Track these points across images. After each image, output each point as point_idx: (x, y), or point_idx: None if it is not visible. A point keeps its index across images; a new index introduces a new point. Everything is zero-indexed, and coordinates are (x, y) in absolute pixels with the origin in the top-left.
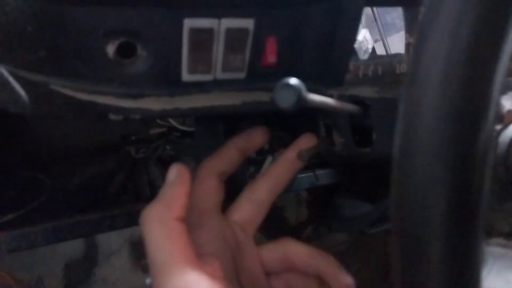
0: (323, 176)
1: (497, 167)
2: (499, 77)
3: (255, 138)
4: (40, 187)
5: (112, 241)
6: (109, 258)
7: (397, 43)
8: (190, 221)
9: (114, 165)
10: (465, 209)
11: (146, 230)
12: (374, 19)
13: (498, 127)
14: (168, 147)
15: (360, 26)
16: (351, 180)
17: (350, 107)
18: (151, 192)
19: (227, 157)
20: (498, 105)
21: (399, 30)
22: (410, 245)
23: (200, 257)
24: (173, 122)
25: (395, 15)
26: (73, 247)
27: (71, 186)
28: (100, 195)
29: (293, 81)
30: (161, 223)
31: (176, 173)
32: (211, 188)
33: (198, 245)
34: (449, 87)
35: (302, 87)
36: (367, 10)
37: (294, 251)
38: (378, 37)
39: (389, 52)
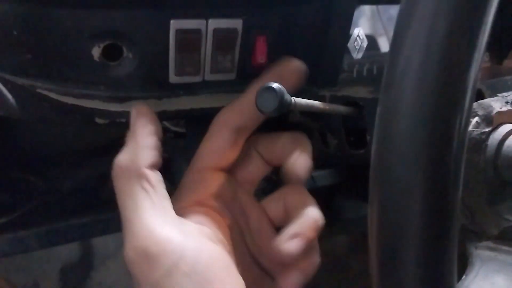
0: (323, 177)
1: (487, 169)
2: (473, 81)
3: (291, 75)
4: (33, 191)
5: (108, 244)
6: (105, 261)
7: None
8: (189, 178)
9: (107, 167)
10: (440, 213)
11: (115, 184)
12: (377, 13)
13: (487, 129)
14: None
15: (355, 24)
16: (351, 181)
17: (341, 109)
18: None
19: (247, 108)
20: (482, 107)
21: None
22: (387, 251)
23: (188, 215)
24: (165, 123)
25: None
26: (69, 251)
27: (64, 189)
28: (94, 198)
29: (275, 85)
30: (128, 175)
31: (135, 115)
32: (218, 145)
33: (192, 204)
34: (422, 94)
35: (284, 91)
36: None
37: (291, 198)
38: (382, 31)
39: None
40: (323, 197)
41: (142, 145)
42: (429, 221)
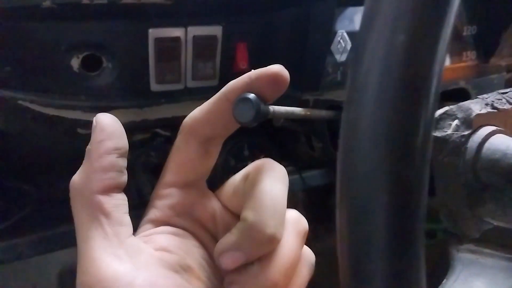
0: (313, 177)
1: (467, 172)
2: (434, 96)
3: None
4: (26, 198)
5: None
6: None
7: None
8: (157, 195)
9: None
10: (403, 230)
11: (71, 206)
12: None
13: (467, 132)
14: (152, 154)
15: (338, 26)
16: None
17: (323, 113)
18: (139, 199)
19: (218, 116)
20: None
21: None
22: (353, 264)
23: (152, 238)
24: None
25: None
26: (67, 255)
27: (57, 196)
28: None
29: (250, 96)
30: (80, 199)
31: (93, 129)
32: (186, 158)
33: (159, 223)
34: (382, 110)
35: (259, 102)
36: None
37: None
38: None
39: None
40: (317, 197)
41: (96, 166)
42: (394, 233)
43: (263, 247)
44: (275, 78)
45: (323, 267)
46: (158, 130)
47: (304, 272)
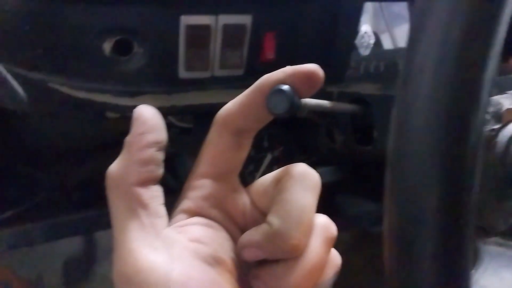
0: (325, 173)
1: (495, 165)
2: (489, 78)
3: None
4: (39, 185)
5: (111, 238)
6: (109, 255)
7: (405, 34)
8: (190, 186)
9: (112, 163)
10: (455, 208)
11: (108, 196)
12: (380, 9)
13: (497, 126)
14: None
15: (361, 20)
16: (354, 178)
17: (348, 107)
18: None
19: (252, 109)
20: (492, 104)
21: (407, 20)
22: (402, 243)
23: (186, 229)
24: (171, 118)
25: (402, 4)
26: (73, 245)
27: (70, 183)
28: (98, 193)
29: (285, 87)
30: (118, 191)
31: (134, 119)
32: (219, 150)
33: (192, 213)
34: (439, 90)
35: (293, 94)
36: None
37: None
38: (384, 28)
39: (396, 44)
40: (325, 193)
41: (135, 159)
42: (446, 214)
43: (285, 254)
44: (310, 76)
45: None
46: (173, 121)
47: (330, 275)
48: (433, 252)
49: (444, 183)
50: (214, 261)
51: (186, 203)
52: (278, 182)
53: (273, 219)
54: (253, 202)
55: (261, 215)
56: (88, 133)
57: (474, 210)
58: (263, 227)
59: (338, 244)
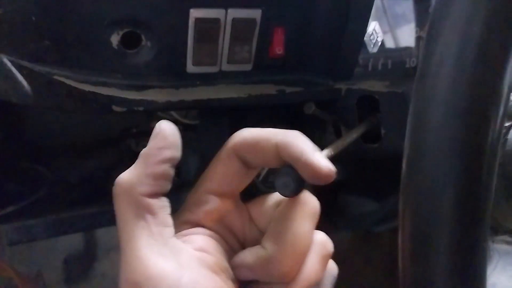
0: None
1: (505, 164)
2: (509, 74)
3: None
4: (41, 180)
5: (111, 236)
6: (109, 253)
7: (407, 35)
8: (195, 199)
9: (115, 158)
10: (472, 204)
11: (115, 204)
12: (383, 10)
13: (507, 124)
14: None
15: (370, 18)
16: (357, 177)
17: (355, 133)
18: None
19: (263, 147)
20: (508, 101)
21: (409, 22)
22: (418, 238)
23: (191, 238)
24: (175, 115)
25: (405, 6)
26: (73, 242)
27: (72, 179)
28: (101, 189)
29: (291, 173)
30: (128, 199)
31: (155, 133)
32: (225, 173)
33: (195, 224)
34: (459, 84)
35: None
36: (376, 1)
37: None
38: (387, 28)
39: (398, 44)
40: (328, 192)
41: (149, 172)
42: (463, 210)
43: (275, 279)
44: (320, 176)
45: None
46: (177, 117)
47: (327, 286)
48: (449, 250)
49: (462, 179)
50: (219, 269)
51: (189, 215)
52: (278, 205)
53: (268, 244)
54: (252, 219)
55: (259, 232)
56: (92, 129)
57: (490, 208)
58: (257, 250)
59: (339, 243)
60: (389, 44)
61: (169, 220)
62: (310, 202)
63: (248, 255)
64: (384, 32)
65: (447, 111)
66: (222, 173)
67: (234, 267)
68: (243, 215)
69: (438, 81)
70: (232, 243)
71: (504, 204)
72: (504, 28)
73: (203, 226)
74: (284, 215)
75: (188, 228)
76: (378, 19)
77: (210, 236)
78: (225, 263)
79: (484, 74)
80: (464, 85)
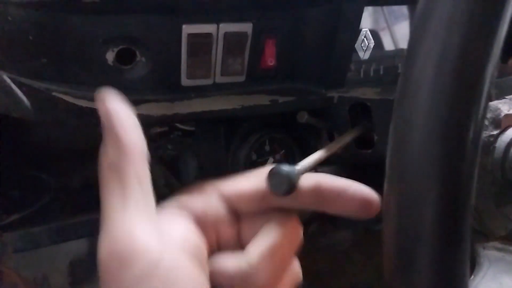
0: (327, 173)
1: (494, 171)
2: (486, 93)
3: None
4: (44, 187)
5: None
6: None
7: (406, 31)
8: (202, 189)
9: None
10: (453, 219)
11: (100, 172)
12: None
13: (495, 131)
14: (169, 147)
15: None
16: (356, 178)
17: (347, 138)
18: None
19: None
20: (490, 110)
21: (406, 18)
22: (400, 255)
23: (178, 219)
24: None
25: None
26: (78, 245)
27: (75, 185)
28: None
29: (284, 169)
30: (114, 167)
31: (105, 107)
32: (245, 191)
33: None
34: (437, 106)
35: (293, 173)
36: None
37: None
38: (384, 25)
39: (395, 41)
40: None
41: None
42: (443, 225)
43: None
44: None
45: (328, 262)
46: (176, 124)
47: None
48: (431, 262)
49: (442, 194)
50: (197, 260)
51: (190, 198)
52: (268, 220)
53: (251, 259)
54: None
55: (237, 233)
56: (93, 135)
57: (471, 219)
58: (239, 263)
59: (340, 241)
60: (386, 41)
61: (152, 191)
62: (299, 230)
63: (229, 264)
64: (381, 29)
65: (425, 133)
66: (243, 190)
67: (212, 269)
68: (230, 229)
69: (416, 103)
70: (211, 240)
71: (494, 211)
72: (480, 49)
73: (195, 215)
74: (273, 237)
75: (171, 216)
76: (374, 15)
77: (196, 226)
78: (204, 257)
79: (461, 94)
80: (442, 106)
